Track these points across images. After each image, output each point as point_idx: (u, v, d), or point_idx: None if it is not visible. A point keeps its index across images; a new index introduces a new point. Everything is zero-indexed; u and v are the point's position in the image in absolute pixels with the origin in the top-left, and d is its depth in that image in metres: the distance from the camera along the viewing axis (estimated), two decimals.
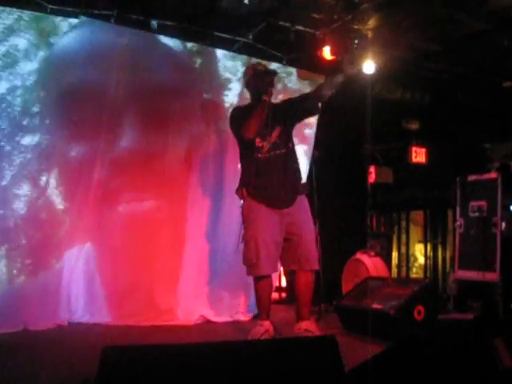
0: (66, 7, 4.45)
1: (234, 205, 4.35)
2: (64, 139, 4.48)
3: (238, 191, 4.00)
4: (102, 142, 4.56)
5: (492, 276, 4.83)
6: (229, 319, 4.81)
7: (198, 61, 5.20)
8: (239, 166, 4.28)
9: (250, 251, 3.80)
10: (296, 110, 4.03)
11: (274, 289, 4.00)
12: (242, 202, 4.00)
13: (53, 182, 4.42)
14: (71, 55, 4.49)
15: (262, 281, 3.86)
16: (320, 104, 4.12)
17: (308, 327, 3.77)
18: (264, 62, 4.77)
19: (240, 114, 4.02)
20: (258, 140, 3.88)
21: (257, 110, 3.82)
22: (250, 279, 4.01)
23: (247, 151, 3.97)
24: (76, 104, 4.50)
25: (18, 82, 4.28)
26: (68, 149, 4.50)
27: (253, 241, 3.80)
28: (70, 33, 4.52)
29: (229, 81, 5.30)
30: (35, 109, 4.35)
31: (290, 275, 5.32)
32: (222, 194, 5.01)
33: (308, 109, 4.10)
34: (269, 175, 3.88)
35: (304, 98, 4.11)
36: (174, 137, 4.92)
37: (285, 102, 4.22)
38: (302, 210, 3.98)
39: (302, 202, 4.01)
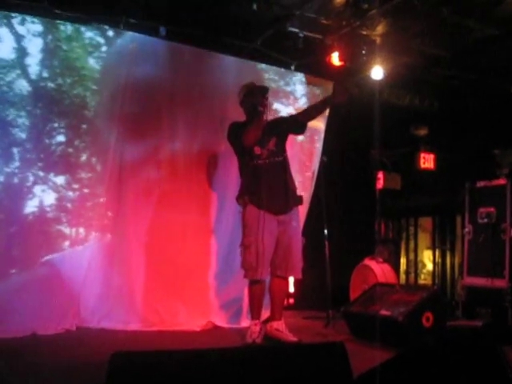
0: (76, 13, 4.51)
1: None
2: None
3: (239, 199, 4.21)
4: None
5: (501, 283, 4.81)
6: (237, 325, 4.81)
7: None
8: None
9: (250, 256, 4.01)
10: (285, 129, 4.32)
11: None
12: (241, 208, 4.19)
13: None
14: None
15: (257, 284, 4.08)
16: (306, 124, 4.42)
17: (278, 327, 4.09)
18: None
19: (238, 127, 4.24)
20: (256, 148, 4.12)
21: (254, 120, 4.08)
22: None
23: (247, 160, 4.18)
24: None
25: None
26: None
27: (254, 246, 3.99)
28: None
29: None
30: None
31: (299, 281, 5.32)
32: (229, 202, 5.02)
33: (295, 130, 4.43)
34: (269, 181, 4.09)
35: (294, 120, 4.40)
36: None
37: (277, 120, 4.53)
38: (295, 221, 4.23)
39: (296, 212, 4.27)
